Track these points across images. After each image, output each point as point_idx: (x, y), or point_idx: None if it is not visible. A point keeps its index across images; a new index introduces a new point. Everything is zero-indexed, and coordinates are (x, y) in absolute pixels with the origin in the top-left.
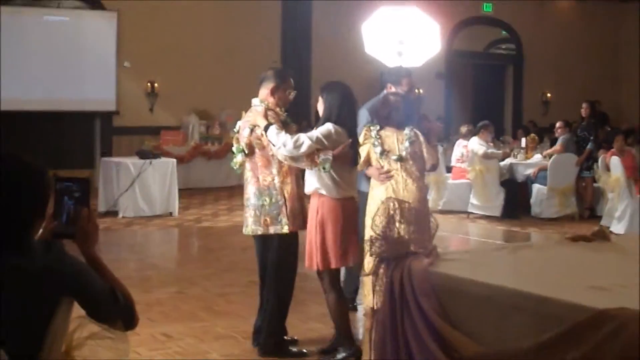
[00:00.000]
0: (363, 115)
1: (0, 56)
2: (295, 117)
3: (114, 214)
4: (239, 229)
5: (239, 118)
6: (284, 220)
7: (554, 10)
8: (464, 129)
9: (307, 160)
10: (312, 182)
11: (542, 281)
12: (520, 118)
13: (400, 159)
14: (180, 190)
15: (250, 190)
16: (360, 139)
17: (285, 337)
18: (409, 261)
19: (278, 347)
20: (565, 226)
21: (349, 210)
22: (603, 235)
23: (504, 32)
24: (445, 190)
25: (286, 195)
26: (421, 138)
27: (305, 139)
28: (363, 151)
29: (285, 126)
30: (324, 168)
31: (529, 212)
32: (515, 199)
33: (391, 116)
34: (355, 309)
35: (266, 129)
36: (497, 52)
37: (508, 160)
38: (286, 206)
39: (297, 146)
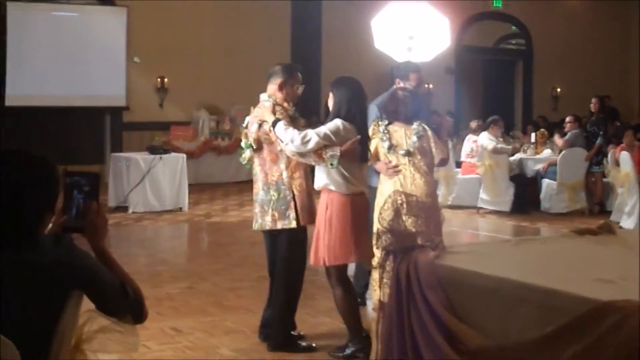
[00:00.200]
0: (372, 111)
1: (9, 52)
2: (305, 113)
3: (124, 209)
4: (249, 224)
5: (249, 113)
6: (292, 215)
7: (564, 5)
8: (473, 124)
9: (314, 156)
10: (322, 177)
11: (547, 274)
12: (530, 113)
13: (407, 153)
14: (190, 185)
15: (259, 186)
16: (370, 134)
17: (294, 332)
18: (416, 254)
19: (287, 342)
20: (575, 221)
21: (359, 206)
22: (609, 228)
23: (513, 28)
24: (454, 185)
25: (295, 190)
26: (429, 133)
27: (313, 135)
28: (371, 146)
29: (293, 121)
30: (331, 164)
31: (538, 207)
32: (525, 194)
33: (399, 111)
34: (364, 303)
35: (274, 124)
36: (506, 48)
37: (518, 156)
38: (294, 201)
39: (304, 142)
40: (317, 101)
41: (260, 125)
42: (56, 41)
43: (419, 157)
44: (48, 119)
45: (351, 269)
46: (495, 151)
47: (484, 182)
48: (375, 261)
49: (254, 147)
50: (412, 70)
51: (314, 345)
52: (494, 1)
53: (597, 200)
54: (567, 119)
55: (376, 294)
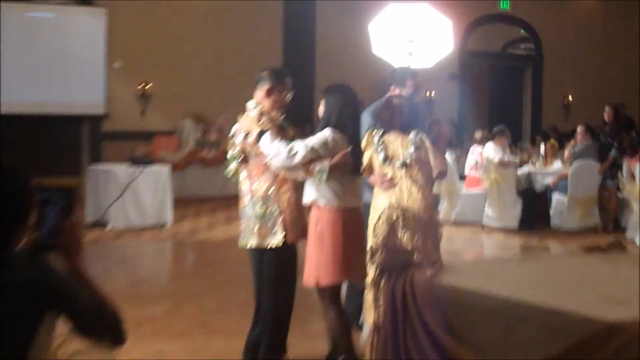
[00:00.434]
0: (365, 119)
1: None
2: (298, 121)
3: (103, 225)
4: (237, 241)
5: (237, 122)
6: (280, 232)
7: (576, 7)
8: (478, 135)
9: (302, 171)
10: (311, 192)
11: (552, 293)
12: (540, 123)
13: (404, 165)
14: (174, 199)
15: (245, 200)
16: (362, 145)
17: (284, 358)
18: (412, 272)
19: None
20: (587, 239)
21: (351, 222)
22: (619, 245)
23: (522, 31)
24: (458, 200)
25: (282, 205)
26: (427, 143)
27: (300, 148)
28: (365, 158)
29: (281, 131)
30: (320, 179)
31: (548, 224)
32: (534, 209)
33: (395, 120)
34: (360, 327)
35: (259, 136)
36: (514, 52)
37: (526, 168)
38: (282, 217)
39: (291, 156)
40: (310, 109)
41: (245, 136)
42: (30, 44)
43: (416, 169)
44: (20, 127)
45: (343, 289)
46: (502, 164)
47: (490, 197)
48: (369, 280)
49: (240, 159)
50: (409, 76)
51: None
52: (501, 2)
53: (611, 216)
54: (578, 129)
55: (370, 314)
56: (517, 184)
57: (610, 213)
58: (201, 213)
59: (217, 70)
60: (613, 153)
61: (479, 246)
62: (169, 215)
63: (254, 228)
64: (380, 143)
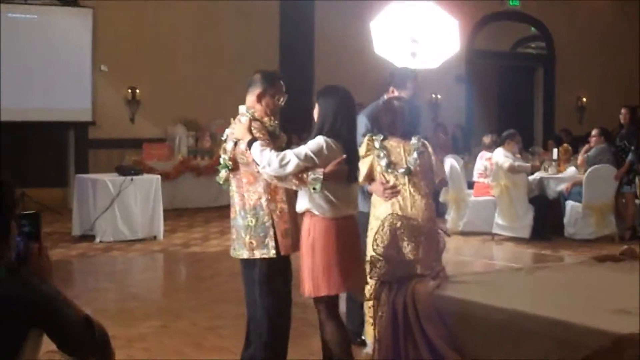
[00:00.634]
0: (361, 122)
1: None
2: (295, 126)
3: (91, 238)
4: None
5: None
6: (272, 243)
7: (590, 3)
8: (487, 140)
9: (295, 180)
10: (304, 201)
11: (561, 305)
12: (552, 126)
13: (408, 172)
14: (165, 211)
15: (235, 210)
16: (361, 151)
17: None
18: (413, 284)
19: None
20: (603, 248)
21: (346, 231)
22: (633, 254)
23: (533, 29)
24: (466, 208)
25: (275, 215)
26: (430, 149)
27: (292, 157)
28: (364, 165)
29: (273, 138)
30: (314, 188)
31: (561, 233)
32: (546, 218)
33: (396, 124)
34: (363, 343)
35: (249, 144)
36: (525, 52)
37: (538, 174)
38: (274, 227)
39: (283, 165)
40: (309, 112)
41: (236, 144)
42: (12, 47)
43: (419, 176)
44: (2, 135)
45: (342, 306)
46: (512, 170)
47: (500, 204)
48: (369, 292)
49: (230, 167)
50: (409, 77)
51: None
52: None
53: (628, 224)
54: (593, 133)
55: (371, 329)
56: (528, 190)
57: (627, 221)
58: (194, 225)
59: (210, 73)
60: (630, 157)
61: (488, 257)
62: (160, 227)
63: (245, 239)
64: (382, 148)
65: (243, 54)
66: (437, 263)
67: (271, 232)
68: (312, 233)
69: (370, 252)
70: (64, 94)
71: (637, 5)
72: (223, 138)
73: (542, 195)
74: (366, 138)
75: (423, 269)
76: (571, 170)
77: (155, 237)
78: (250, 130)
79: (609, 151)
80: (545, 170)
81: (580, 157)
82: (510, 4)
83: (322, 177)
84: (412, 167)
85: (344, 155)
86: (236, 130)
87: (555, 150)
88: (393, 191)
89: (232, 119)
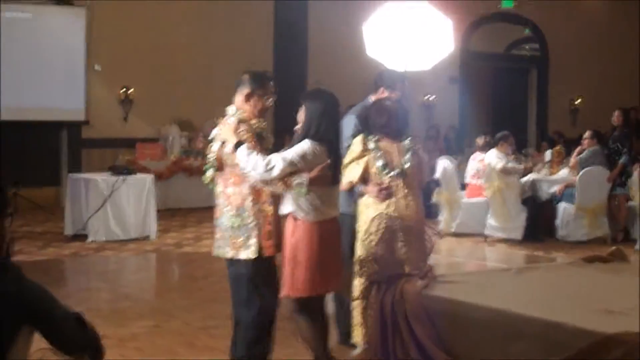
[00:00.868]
0: (350, 122)
1: None
2: (288, 128)
3: (83, 237)
4: None
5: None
6: (255, 244)
7: (584, 5)
8: (480, 141)
9: (280, 184)
10: (288, 204)
11: (549, 305)
12: (545, 128)
13: (402, 173)
14: (158, 210)
15: (220, 209)
16: (355, 151)
17: None
18: (402, 284)
19: None
20: (596, 250)
21: (328, 233)
22: (621, 255)
23: (527, 31)
24: (459, 210)
25: (259, 216)
26: (421, 151)
27: (278, 162)
28: (359, 166)
29: (260, 140)
30: (299, 192)
31: (554, 235)
32: (539, 219)
33: (391, 125)
34: (353, 346)
35: (236, 147)
36: (519, 53)
37: (531, 176)
38: (258, 229)
39: (268, 170)
40: None
41: (222, 145)
42: (5, 46)
43: (412, 177)
44: None
45: (330, 307)
46: (505, 171)
47: (492, 206)
48: (357, 292)
49: (216, 167)
50: (399, 79)
51: None
52: (504, 1)
53: (620, 226)
54: (585, 135)
55: (360, 330)
56: (521, 192)
57: (619, 223)
58: (187, 225)
59: (203, 74)
60: (623, 159)
61: (480, 258)
62: (152, 227)
63: (229, 239)
64: (377, 149)
65: (237, 54)
66: (425, 263)
67: (255, 233)
68: (295, 235)
69: (359, 252)
70: (58, 93)
71: (631, 7)
72: (210, 138)
73: (535, 197)
74: (360, 138)
75: (411, 269)
76: (564, 172)
77: (147, 237)
78: (237, 133)
79: (601, 153)
80: (538, 172)
81: (572, 160)
82: (504, 5)
83: (307, 181)
84: (406, 168)
85: (329, 160)
86: (223, 132)
87: (548, 152)
88: (388, 193)
89: (220, 119)
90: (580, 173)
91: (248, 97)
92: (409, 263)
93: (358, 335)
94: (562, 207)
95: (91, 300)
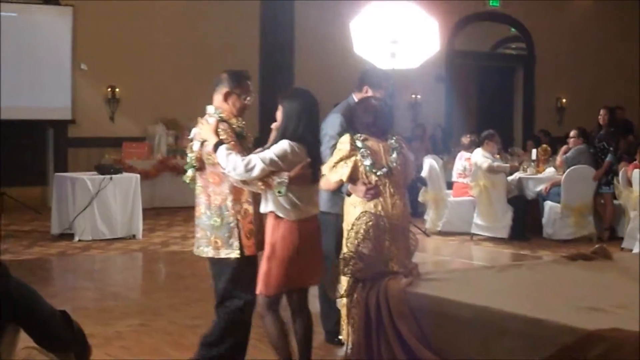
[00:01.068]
0: (335, 121)
1: None
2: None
3: (69, 237)
4: None
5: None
6: (236, 243)
7: (570, 5)
8: (466, 140)
9: (260, 184)
10: (268, 203)
11: (532, 302)
12: (532, 127)
13: (389, 172)
14: (144, 210)
15: (200, 209)
16: (343, 150)
17: None
18: (386, 281)
19: None
20: (582, 249)
21: (308, 232)
22: (604, 253)
23: (513, 30)
24: (445, 209)
25: (240, 215)
26: (406, 150)
27: (258, 162)
28: (347, 165)
29: (240, 139)
30: (279, 192)
31: (540, 233)
32: (525, 218)
33: (377, 124)
34: (340, 343)
35: (215, 147)
36: (505, 52)
37: (517, 175)
38: (239, 228)
39: (248, 170)
40: None
41: (202, 144)
42: None
43: (398, 176)
44: None
45: (316, 305)
46: (491, 170)
47: (479, 205)
48: (342, 290)
49: (196, 167)
50: (384, 77)
51: None
52: (491, 0)
53: (606, 225)
54: (571, 134)
55: (346, 327)
56: (507, 191)
57: (605, 222)
58: (173, 224)
59: (190, 72)
60: (609, 158)
61: (467, 257)
62: (139, 226)
63: (211, 238)
64: (365, 148)
65: (223, 53)
66: (409, 261)
67: (236, 233)
68: (275, 234)
69: (344, 250)
70: (44, 92)
71: (617, 7)
72: (190, 137)
73: (521, 196)
74: (347, 138)
75: (396, 267)
76: (550, 170)
77: (134, 236)
78: (216, 132)
79: (587, 152)
80: (524, 170)
81: (558, 159)
82: (491, 4)
83: (287, 181)
84: (393, 166)
85: (309, 159)
86: (203, 131)
87: (534, 151)
88: (376, 192)
89: (199, 119)
90: (566, 172)
91: (226, 96)
92: (395, 261)
93: (346, 333)
94: (549, 205)
95: (78, 299)
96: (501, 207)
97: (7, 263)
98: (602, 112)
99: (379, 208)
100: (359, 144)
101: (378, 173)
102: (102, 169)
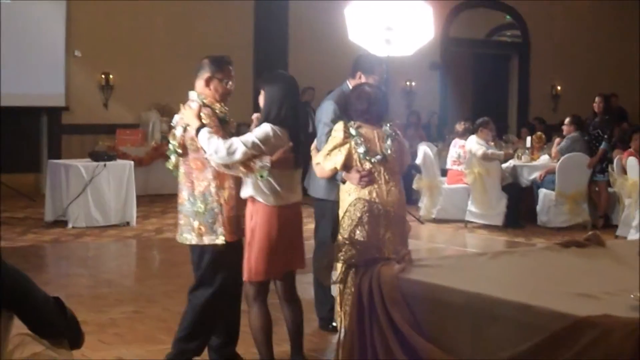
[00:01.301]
0: (329, 108)
1: None
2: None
3: (63, 224)
4: None
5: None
6: (220, 229)
7: None
8: (460, 127)
9: (242, 168)
10: (248, 188)
11: (523, 288)
12: (526, 114)
13: (384, 159)
14: (138, 196)
15: (183, 195)
16: (337, 137)
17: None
18: (379, 267)
19: None
20: (576, 236)
21: (288, 219)
22: (597, 240)
23: (508, 17)
24: (439, 196)
25: (223, 201)
26: (400, 137)
27: (240, 145)
28: (341, 152)
29: (223, 124)
30: (261, 176)
31: (534, 221)
32: (520, 205)
33: (371, 111)
34: (335, 330)
35: (197, 131)
36: (500, 40)
37: (511, 162)
38: (222, 214)
39: (230, 153)
40: None
41: (185, 130)
42: None
43: (393, 163)
44: None
45: (310, 292)
46: (486, 157)
47: (473, 192)
48: (336, 277)
49: (179, 153)
50: (377, 63)
51: None
52: None
53: (601, 212)
54: (565, 122)
55: (339, 313)
56: (501, 178)
57: (600, 209)
58: (167, 211)
59: (183, 59)
60: (603, 146)
61: (461, 244)
62: (133, 213)
63: (194, 224)
64: (359, 136)
65: (217, 40)
66: (402, 247)
67: (220, 219)
68: (254, 219)
69: (339, 237)
70: (37, 78)
71: None
72: (172, 124)
73: (516, 183)
74: (342, 125)
75: (389, 253)
76: (544, 158)
77: (128, 223)
78: (199, 117)
79: (581, 140)
80: (519, 158)
81: (553, 150)
82: None
83: (269, 164)
84: (387, 153)
85: (291, 143)
86: (185, 116)
87: (528, 139)
88: (371, 179)
89: (181, 105)
90: (561, 159)
91: (208, 82)
92: (389, 248)
93: (339, 319)
94: (543, 193)
95: (71, 286)
96: (495, 194)
97: (0, 250)
98: (597, 99)
99: (374, 195)
100: (352, 131)
101: (372, 160)
102: (96, 156)
